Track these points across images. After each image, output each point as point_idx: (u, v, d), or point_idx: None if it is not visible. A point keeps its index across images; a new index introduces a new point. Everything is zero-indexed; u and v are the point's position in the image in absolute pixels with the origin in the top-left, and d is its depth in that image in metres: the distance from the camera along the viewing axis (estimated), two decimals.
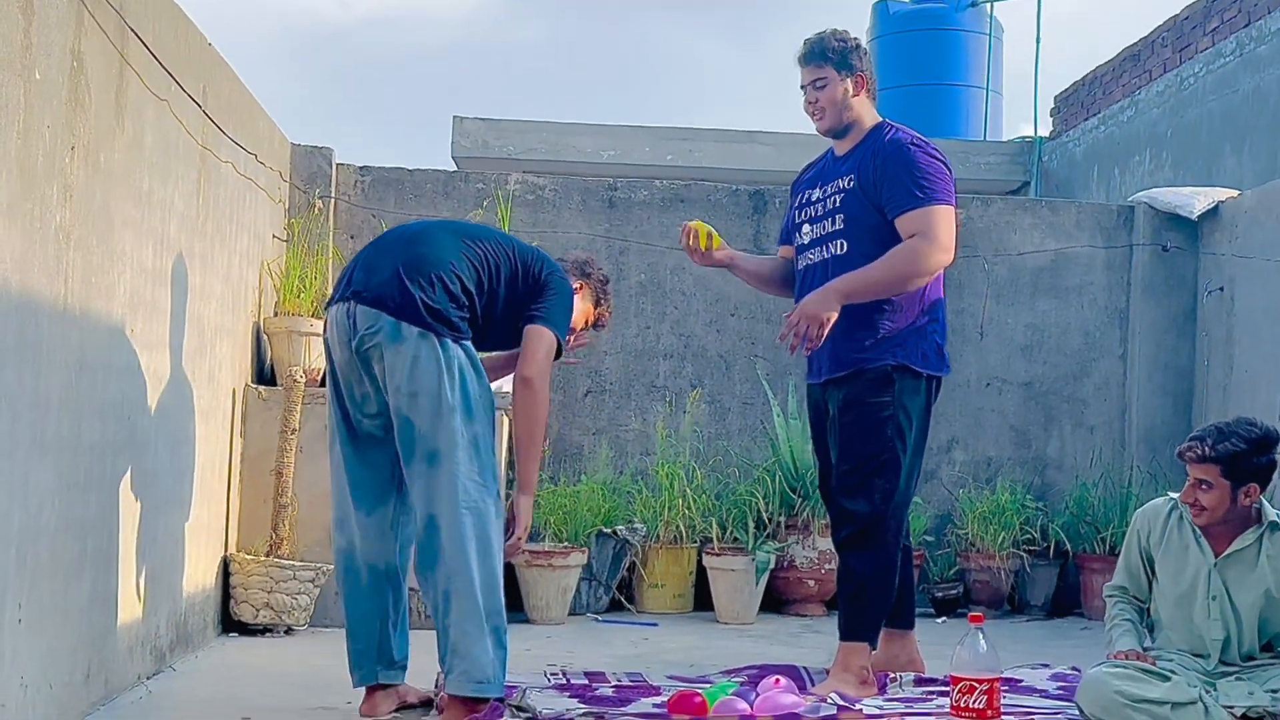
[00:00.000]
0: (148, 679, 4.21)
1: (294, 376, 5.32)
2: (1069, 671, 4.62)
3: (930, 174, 4.20)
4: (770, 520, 6.40)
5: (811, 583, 6.42)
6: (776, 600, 6.49)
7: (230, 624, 5.24)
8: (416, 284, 3.72)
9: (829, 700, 4.01)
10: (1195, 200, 7.00)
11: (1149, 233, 7.13)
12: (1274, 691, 3.65)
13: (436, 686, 3.93)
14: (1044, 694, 4.27)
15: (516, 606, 5.95)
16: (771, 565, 6.26)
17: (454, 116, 10.11)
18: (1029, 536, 6.65)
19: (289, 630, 5.28)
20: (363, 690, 3.94)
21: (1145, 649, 3.87)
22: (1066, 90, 10.74)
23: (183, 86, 4.39)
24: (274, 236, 5.98)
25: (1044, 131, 10.90)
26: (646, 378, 6.91)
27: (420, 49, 39.59)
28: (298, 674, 4.48)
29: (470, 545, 3.66)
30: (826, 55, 4.34)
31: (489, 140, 10.12)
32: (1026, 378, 7.12)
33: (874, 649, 4.33)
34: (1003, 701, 3.68)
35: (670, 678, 4.48)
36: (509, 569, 5.86)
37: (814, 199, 4.45)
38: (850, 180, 4.31)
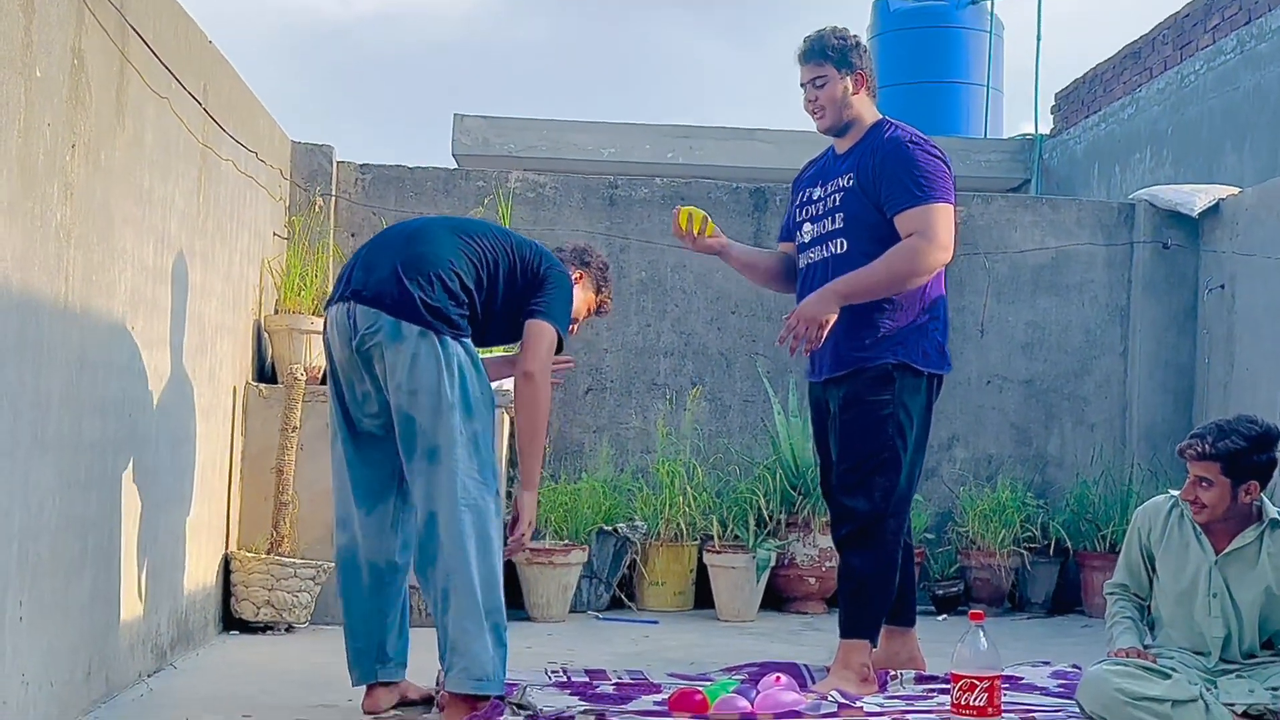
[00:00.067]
0: (149, 676, 4.22)
1: (295, 374, 5.33)
2: (1070, 669, 4.62)
3: (929, 172, 4.20)
4: (771, 518, 6.40)
5: (812, 580, 6.42)
6: (777, 598, 6.49)
7: (231, 622, 5.24)
8: (415, 282, 3.72)
9: (830, 698, 4.01)
10: (1196, 198, 7.00)
11: (1150, 230, 7.13)
12: (1275, 689, 3.65)
13: (437, 684, 3.93)
14: (1045, 691, 4.27)
15: (517, 604, 5.95)
16: (772, 563, 6.27)
17: (454, 114, 10.11)
18: (1030, 534, 6.66)
19: (290, 628, 5.28)
20: (363, 688, 3.95)
21: (1146, 646, 3.88)
22: (1067, 88, 10.74)
23: (183, 84, 4.38)
24: (275, 234, 5.98)
25: (1045, 129, 10.89)
26: (647, 375, 6.91)
27: (421, 47, 39.59)
28: (299, 672, 4.48)
29: (470, 543, 3.66)
30: (826, 53, 4.33)
31: (489, 138, 10.12)
32: (1027, 375, 7.12)
33: (874, 647, 4.33)
34: (1003, 699, 3.68)
35: (671, 675, 4.48)
36: (509, 567, 5.88)
37: (815, 197, 4.45)
38: (850, 179, 4.31)
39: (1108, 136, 9.80)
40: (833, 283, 4.18)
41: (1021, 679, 4.41)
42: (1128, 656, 3.74)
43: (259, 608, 5.19)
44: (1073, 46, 30.30)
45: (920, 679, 4.39)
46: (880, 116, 4.40)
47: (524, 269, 3.91)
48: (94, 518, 3.69)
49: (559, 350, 3.92)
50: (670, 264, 6.93)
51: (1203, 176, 8.16)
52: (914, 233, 4.15)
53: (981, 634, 3.60)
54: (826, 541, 6.14)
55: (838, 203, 4.33)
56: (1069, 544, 6.69)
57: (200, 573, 4.85)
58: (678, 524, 6.33)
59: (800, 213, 4.51)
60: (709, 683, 4.14)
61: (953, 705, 3.60)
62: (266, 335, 5.77)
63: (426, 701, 3.98)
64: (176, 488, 4.52)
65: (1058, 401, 7.12)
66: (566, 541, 6.10)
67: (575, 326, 4.22)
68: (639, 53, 38.31)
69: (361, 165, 6.83)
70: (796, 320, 4.15)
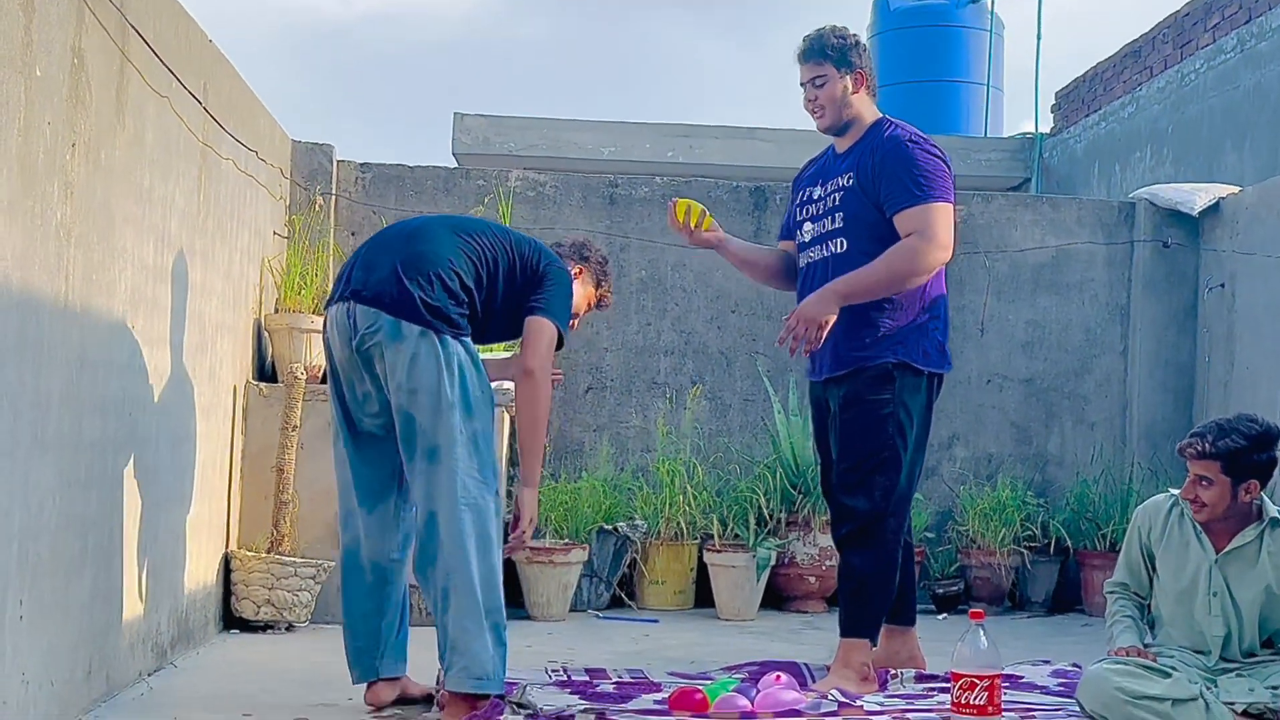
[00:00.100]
0: (149, 675, 4.22)
1: (295, 373, 5.33)
2: (1070, 668, 4.62)
3: (928, 171, 4.19)
4: (771, 517, 6.40)
5: (812, 579, 6.42)
6: (777, 597, 6.49)
7: (231, 620, 5.24)
8: (415, 282, 3.72)
9: (830, 697, 4.01)
10: (1196, 196, 7.00)
11: (1150, 229, 7.13)
12: (1275, 688, 3.66)
13: (437, 684, 3.93)
14: (1045, 690, 4.27)
15: (517, 603, 5.96)
16: (772, 562, 6.27)
17: (455, 113, 10.11)
18: (1030, 533, 6.66)
19: (290, 627, 5.28)
20: (363, 687, 3.96)
21: (1146, 645, 3.88)
22: (1067, 86, 10.73)
23: (183, 83, 4.38)
24: (275, 233, 5.98)
25: (1045, 128, 10.89)
26: (647, 374, 6.91)
27: (421, 46, 39.57)
28: (299, 670, 4.48)
29: (470, 542, 3.66)
30: (826, 52, 4.33)
31: (490, 137, 10.12)
32: (1027, 374, 7.12)
33: (875, 645, 4.34)
34: (1004, 698, 3.68)
35: (671, 674, 4.48)
36: (510, 566, 5.88)
37: (815, 197, 4.45)
38: (849, 178, 4.31)
39: (1108, 135, 9.80)
40: (832, 283, 4.18)
41: (1022, 678, 4.41)
42: (1128, 655, 3.75)
43: (259, 607, 5.19)
44: (1073, 45, 30.28)
45: (920, 678, 4.39)
46: (880, 115, 4.40)
47: (523, 266, 3.91)
48: (94, 517, 3.69)
49: (560, 346, 3.92)
50: (670, 263, 6.93)
51: (1203, 175, 8.16)
52: (913, 232, 4.15)
53: (982, 633, 3.60)
54: (827, 540, 6.14)
55: (837, 202, 4.32)
56: (1069, 543, 6.69)
57: (200, 572, 4.85)
58: (678, 523, 6.33)
59: (800, 212, 4.51)
60: (709, 681, 4.14)
61: (953, 704, 3.61)
62: (267, 334, 5.77)
63: (426, 699, 3.98)
64: (177, 487, 4.52)
65: (1058, 400, 7.12)
66: (567, 540, 6.11)
67: (576, 321, 4.23)
68: (639, 52, 38.31)
69: (362, 164, 6.83)
70: (796, 321, 4.15)
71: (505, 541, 3.91)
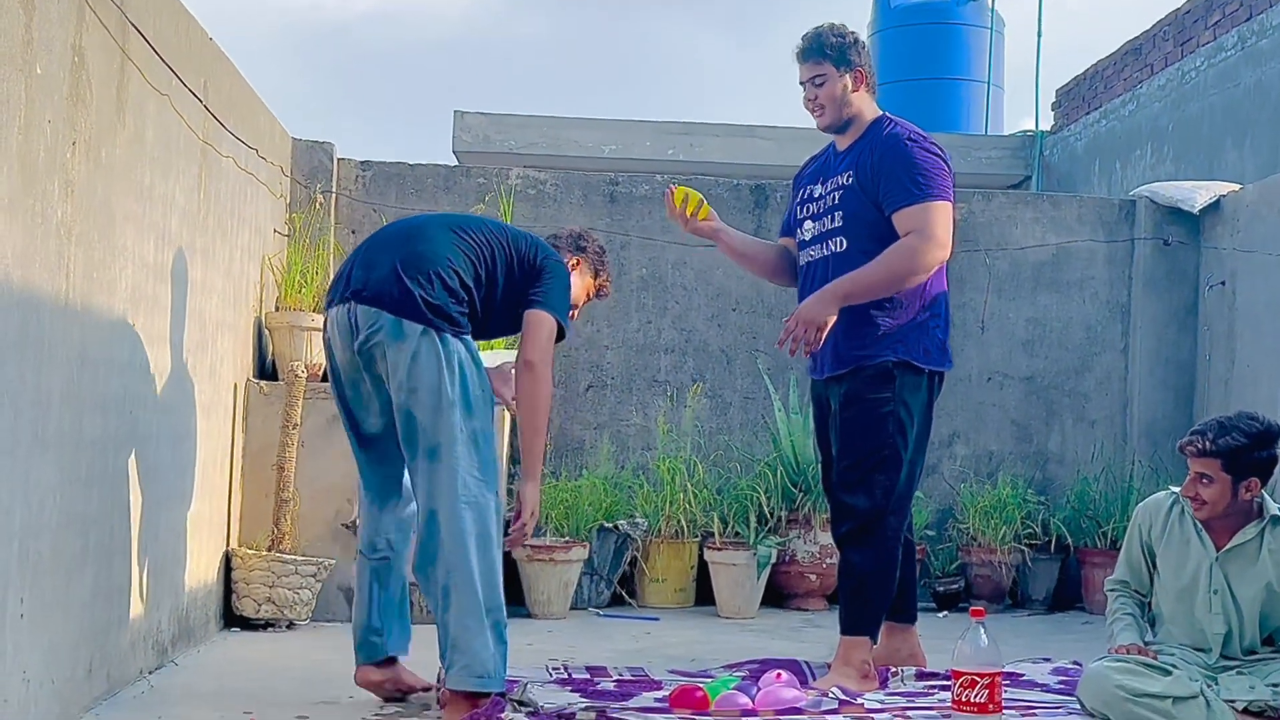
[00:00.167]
0: (150, 673, 4.22)
1: (295, 371, 5.33)
2: (1070, 666, 4.62)
3: (927, 169, 4.19)
4: (771, 515, 6.40)
5: (813, 577, 6.42)
6: (778, 595, 6.49)
7: (232, 619, 5.24)
8: (415, 281, 3.73)
9: (830, 694, 4.01)
10: (1197, 194, 7.00)
11: (1150, 227, 7.13)
12: (1275, 685, 3.66)
13: (438, 682, 3.93)
14: (1045, 688, 4.26)
15: (518, 601, 5.96)
16: (773, 560, 6.27)
17: (455, 111, 10.11)
18: (1030, 531, 6.66)
19: (291, 625, 5.28)
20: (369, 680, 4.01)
21: (1147, 643, 3.88)
22: (1068, 84, 10.73)
23: (184, 81, 4.38)
24: (275, 231, 5.98)
25: (1045, 126, 10.89)
26: (648, 372, 6.91)
27: (421, 44, 39.57)
28: (299, 669, 4.48)
29: (470, 540, 3.67)
30: (825, 51, 4.32)
31: (490, 135, 10.12)
32: (1028, 372, 7.12)
33: (875, 643, 4.33)
34: (1004, 696, 3.68)
35: (672, 672, 4.48)
36: (510, 564, 5.88)
37: (815, 195, 4.44)
38: (849, 177, 4.30)
39: (1108, 133, 9.79)
40: (831, 284, 4.17)
41: (1022, 676, 4.41)
42: (1128, 653, 3.75)
43: (260, 605, 5.19)
44: (1073, 43, 30.30)
45: (921, 676, 4.39)
46: (880, 113, 4.39)
47: (521, 261, 3.92)
48: (95, 515, 3.69)
49: (560, 338, 3.93)
50: (671, 261, 6.93)
51: (1203, 173, 8.16)
52: (912, 231, 4.14)
53: (982, 631, 3.60)
54: (827, 538, 6.14)
55: (837, 201, 4.32)
56: (1069, 541, 6.69)
57: (201, 570, 4.86)
58: (678, 521, 6.33)
59: (801, 210, 4.50)
60: (710, 679, 4.14)
61: (953, 702, 3.60)
62: (267, 332, 5.77)
63: (424, 690, 4.03)
64: (177, 485, 4.52)
65: (1058, 398, 7.12)
66: (567, 538, 6.11)
67: (575, 312, 4.25)
68: (639, 49, 38.30)
69: (362, 162, 6.83)
70: (795, 323, 4.15)
71: (506, 535, 3.92)
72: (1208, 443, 3.73)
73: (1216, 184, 7.16)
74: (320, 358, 5.42)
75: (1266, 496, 3.86)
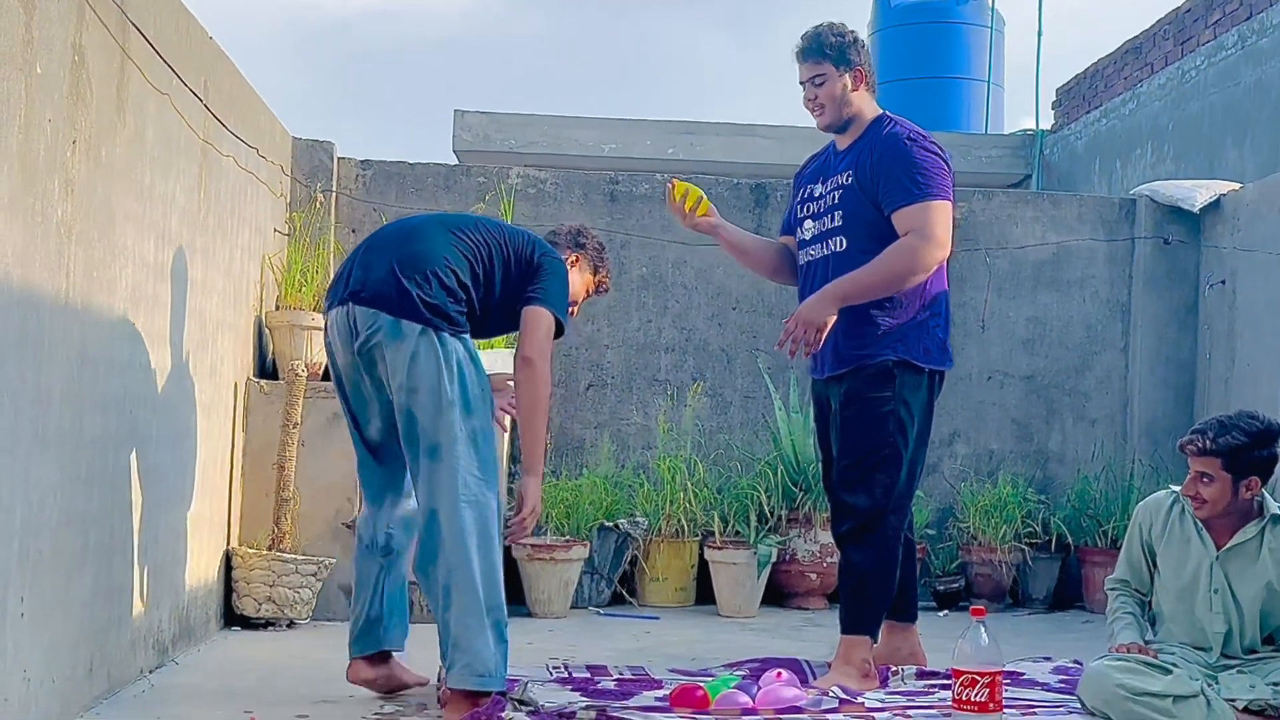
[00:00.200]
0: (150, 672, 4.22)
1: (296, 370, 5.33)
2: (1071, 665, 4.62)
3: (926, 169, 4.18)
4: (772, 514, 6.40)
5: (813, 576, 6.43)
6: (778, 594, 6.49)
7: (233, 618, 5.24)
8: (413, 281, 3.74)
9: (831, 693, 4.01)
10: (1197, 193, 7.00)
11: (1151, 226, 7.13)
12: (1276, 684, 3.66)
13: (439, 681, 3.94)
14: (1046, 687, 4.26)
15: (518, 600, 5.96)
16: (773, 559, 6.27)
17: (455, 110, 10.11)
18: (1030, 530, 6.66)
19: (291, 624, 5.28)
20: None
21: (1147, 642, 3.88)
22: (1068, 83, 10.73)
23: (184, 80, 4.38)
24: (275, 230, 5.98)
25: (1045, 125, 10.89)
26: (648, 371, 6.91)
27: (420, 43, 39.57)
28: (300, 668, 4.48)
29: (471, 539, 3.67)
30: (824, 51, 4.31)
31: (490, 134, 10.12)
32: (1028, 371, 7.12)
33: (875, 642, 4.33)
34: (1005, 695, 3.68)
35: (672, 671, 4.48)
36: (511, 563, 5.88)
37: (815, 194, 4.44)
38: (849, 176, 4.30)
39: (1109, 132, 9.79)
40: (830, 285, 4.17)
41: (1023, 674, 4.41)
42: (1129, 652, 3.75)
43: (260, 604, 5.19)
44: (1074, 42, 30.29)
45: (921, 674, 4.39)
46: (880, 111, 4.39)
47: (518, 259, 3.93)
48: (95, 514, 3.69)
49: (559, 334, 3.93)
50: (671, 260, 6.93)
51: (1204, 172, 8.16)
52: (911, 230, 4.14)
53: (983, 629, 3.60)
54: (827, 537, 6.14)
55: (837, 200, 4.32)
56: (1070, 540, 6.69)
57: (202, 569, 4.86)
58: (679, 520, 6.33)
59: (801, 209, 4.50)
60: (710, 678, 4.14)
61: (954, 701, 3.60)
62: (267, 331, 5.77)
63: (419, 685, 4.05)
64: (178, 484, 4.52)
65: (1059, 397, 7.12)
66: (568, 537, 6.11)
67: (575, 308, 4.28)
68: (639, 48, 38.29)
69: (362, 161, 6.83)
70: (795, 324, 4.15)
71: (506, 529, 3.93)
72: (1208, 442, 3.73)
73: (1217, 183, 7.16)
74: (320, 356, 5.42)
75: (1267, 495, 3.86)
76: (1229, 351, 6.71)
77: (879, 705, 3.93)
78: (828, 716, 3.76)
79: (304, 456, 5.35)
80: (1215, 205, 6.93)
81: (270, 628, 5.24)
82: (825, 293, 4.16)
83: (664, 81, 36.75)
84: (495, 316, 3.95)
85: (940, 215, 4.16)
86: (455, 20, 41.18)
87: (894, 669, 4.38)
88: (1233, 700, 3.61)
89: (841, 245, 4.27)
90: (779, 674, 4.09)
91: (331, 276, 5.62)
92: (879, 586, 4.24)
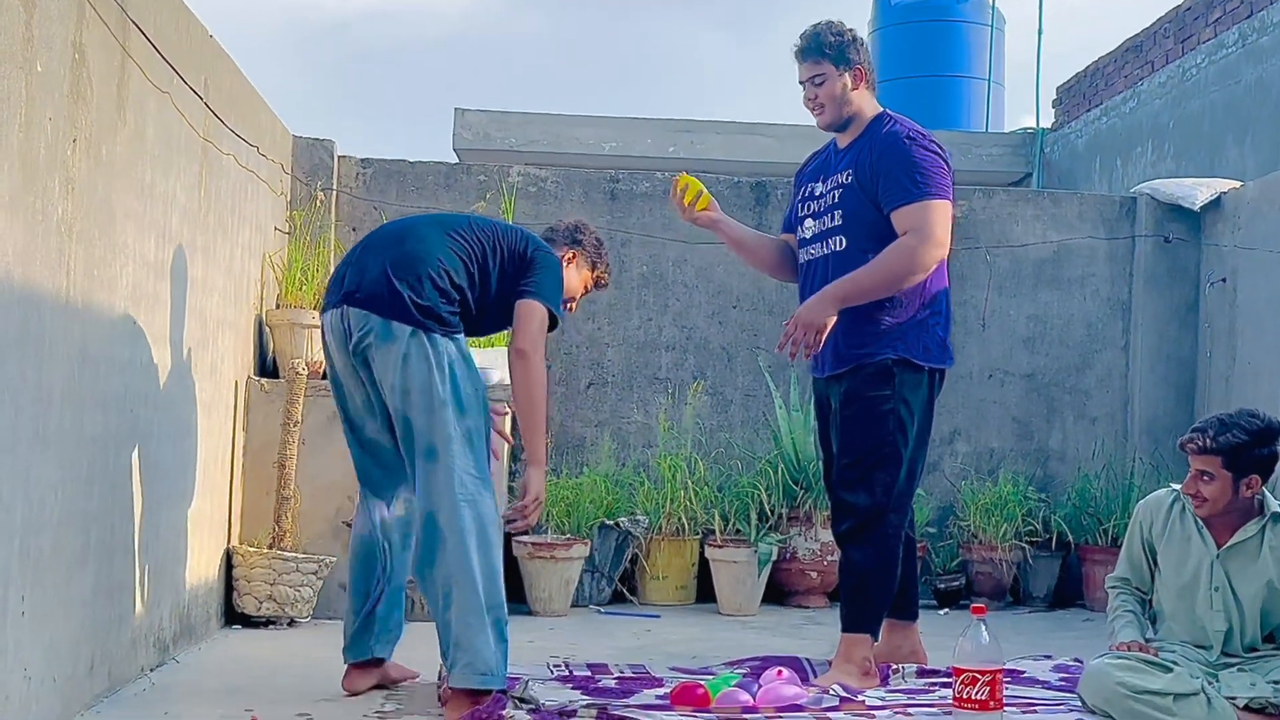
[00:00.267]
0: (151, 671, 4.22)
1: (296, 369, 5.33)
2: (1071, 663, 4.62)
3: (926, 168, 4.18)
4: (772, 512, 6.40)
5: (814, 574, 6.42)
6: (779, 592, 6.49)
7: (233, 616, 5.25)
8: (405, 283, 3.76)
9: (831, 692, 4.01)
10: (1198, 191, 6.99)
11: (1151, 224, 7.12)
12: (1276, 683, 3.66)
13: (440, 680, 3.94)
14: (1046, 685, 4.27)
15: (519, 598, 5.96)
16: (774, 557, 6.27)
17: (455, 108, 10.11)
18: (1031, 528, 6.65)
19: (292, 622, 5.28)
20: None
21: (1148, 640, 3.88)
22: (1068, 81, 10.73)
23: (184, 79, 4.38)
24: (276, 229, 5.98)
25: (1046, 123, 10.88)
26: (649, 370, 6.91)
27: (420, 42, 39.57)
28: (301, 666, 4.48)
29: (470, 539, 3.68)
30: (823, 50, 4.30)
31: (491, 132, 10.12)
32: (1029, 369, 7.12)
33: (876, 641, 4.33)
34: (1005, 693, 3.68)
35: (673, 669, 4.48)
36: (511, 562, 5.89)
37: (816, 193, 4.44)
38: (849, 175, 4.30)
39: (1109, 130, 9.79)
40: (829, 287, 4.17)
41: (1023, 673, 4.41)
42: (1129, 650, 3.75)
43: (261, 602, 5.19)
44: (1074, 40, 30.30)
45: (922, 673, 4.39)
46: (881, 109, 4.38)
47: (511, 255, 3.95)
48: (96, 512, 3.69)
49: (553, 328, 3.94)
50: (672, 258, 6.93)
51: (1204, 170, 8.15)
52: (909, 230, 4.13)
53: (983, 628, 3.60)
54: (828, 535, 6.13)
55: (837, 199, 4.31)
56: (1070, 538, 6.69)
57: (202, 567, 4.86)
58: (679, 518, 6.33)
59: (802, 208, 4.50)
60: (711, 676, 4.14)
61: (954, 699, 3.60)
62: (268, 330, 5.77)
63: (413, 679, 4.08)
64: (178, 482, 4.52)
65: (1059, 395, 7.12)
66: (568, 536, 6.11)
67: (574, 303, 4.30)
68: (639, 47, 38.28)
69: (363, 160, 6.83)
70: (794, 326, 4.15)
71: (508, 521, 3.96)
72: (1208, 440, 3.73)
73: (1217, 181, 7.16)
74: (321, 355, 5.42)
75: (1267, 494, 3.86)
76: (1229, 350, 6.71)
77: (879, 703, 3.93)
78: (829, 715, 3.76)
79: (304, 455, 5.35)
80: (1216, 203, 6.93)
81: (271, 626, 5.24)
82: (824, 295, 4.16)
83: (664, 80, 36.75)
84: (491, 314, 3.97)
85: (939, 215, 4.16)
86: (455, 19, 41.18)
87: (895, 667, 4.38)
88: (1233, 698, 3.61)
89: (841, 244, 4.27)
90: (780, 672, 4.09)
91: (332, 275, 5.64)
92: (879, 585, 4.24)
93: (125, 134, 3.84)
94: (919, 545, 5.05)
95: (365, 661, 4.05)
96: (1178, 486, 3.91)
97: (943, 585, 6.61)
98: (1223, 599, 3.81)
